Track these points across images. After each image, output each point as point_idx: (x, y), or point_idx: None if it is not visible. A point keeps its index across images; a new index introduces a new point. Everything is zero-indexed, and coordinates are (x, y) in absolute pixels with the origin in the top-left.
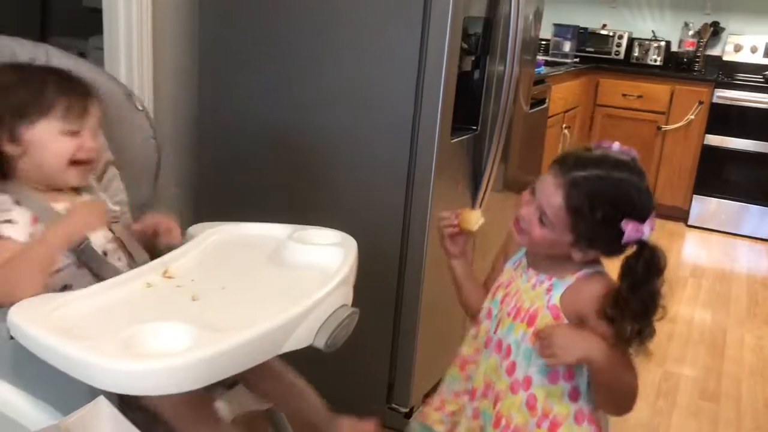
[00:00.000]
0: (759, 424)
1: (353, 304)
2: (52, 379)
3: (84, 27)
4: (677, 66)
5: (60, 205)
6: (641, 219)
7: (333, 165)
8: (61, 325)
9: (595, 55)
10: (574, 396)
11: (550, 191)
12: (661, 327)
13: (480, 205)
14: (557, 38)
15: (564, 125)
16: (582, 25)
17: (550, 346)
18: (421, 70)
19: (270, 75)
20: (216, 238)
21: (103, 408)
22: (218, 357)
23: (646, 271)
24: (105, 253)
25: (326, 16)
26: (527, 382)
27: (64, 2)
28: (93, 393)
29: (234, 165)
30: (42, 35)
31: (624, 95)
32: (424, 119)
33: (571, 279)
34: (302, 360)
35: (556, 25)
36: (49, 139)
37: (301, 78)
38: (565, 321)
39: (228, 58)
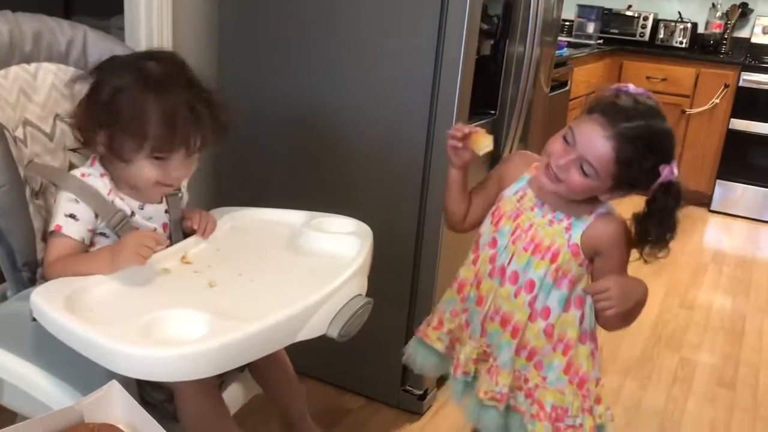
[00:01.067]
0: None
1: (368, 293)
2: (72, 360)
3: (107, 6)
4: (703, 48)
5: (132, 203)
6: (672, 159)
7: (350, 151)
8: (82, 309)
9: (619, 36)
10: (581, 320)
11: (599, 143)
12: (679, 313)
13: None
14: (581, 19)
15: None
16: (606, 6)
17: (609, 299)
18: (438, 53)
19: (289, 59)
20: (233, 224)
21: (116, 391)
22: (233, 345)
23: (676, 204)
24: (155, 231)
25: (344, 2)
26: (546, 313)
27: None
28: (112, 374)
29: (253, 149)
30: (65, 14)
31: (648, 78)
32: (441, 103)
33: (588, 218)
34: (318, 342)
35: (579, 5)
36: (140, 164)
37: (320, 62)
38: (582, 257)
39: (248, 41)
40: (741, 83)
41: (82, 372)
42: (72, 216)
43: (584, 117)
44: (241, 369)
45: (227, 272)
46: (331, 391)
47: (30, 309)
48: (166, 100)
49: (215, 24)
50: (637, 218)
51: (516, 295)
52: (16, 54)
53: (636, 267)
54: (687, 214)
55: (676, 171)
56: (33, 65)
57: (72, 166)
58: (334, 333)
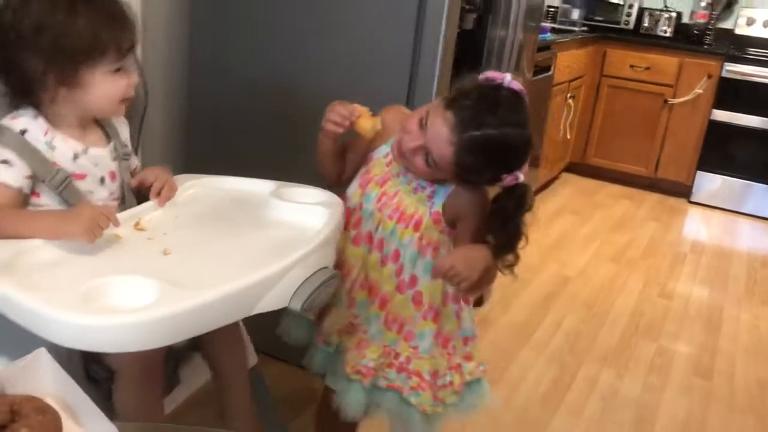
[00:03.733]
0: (751, 403)
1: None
2: (11, 329)
3: None
4: (687, 38)
5: (76, 146)
6: (520, 168)
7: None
8: (21, 273)
9: (603, 24)
10: (444, 285)
11: (442, 145)
12: (656, 302)
13: None
14: (566, 5)
15: (569, 94)
16: None
17: (457, 275)
18: (419, 28)
19: (264, 29)
20: (195, 191)
21: (44, 360)
22: (182, 314)
23: (516, 208)
24: (103, 179)
25: None
26: (413, 281)
27: None
28: (53, 346)
29: (224, 116)
30: None
31: (631, 66)
32: (421, 78)
33: (450, 185)
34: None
35: None
36: (105, 80)
37: (297, 36)
38: (443, 224)
39: (222, 18)
40: (724, 74)
41: (22, 343)
42: (5, 161)
43: (441, 109)
44: (193, 347)
45: (184, 240)
46: (299, 374)
47: None
48: (90, 6)
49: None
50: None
51: (383, 264)
52: None
53: (608, 258)
54: (667, 204)
55: (521, 177)
56: None
57: None
58: (296, 306)
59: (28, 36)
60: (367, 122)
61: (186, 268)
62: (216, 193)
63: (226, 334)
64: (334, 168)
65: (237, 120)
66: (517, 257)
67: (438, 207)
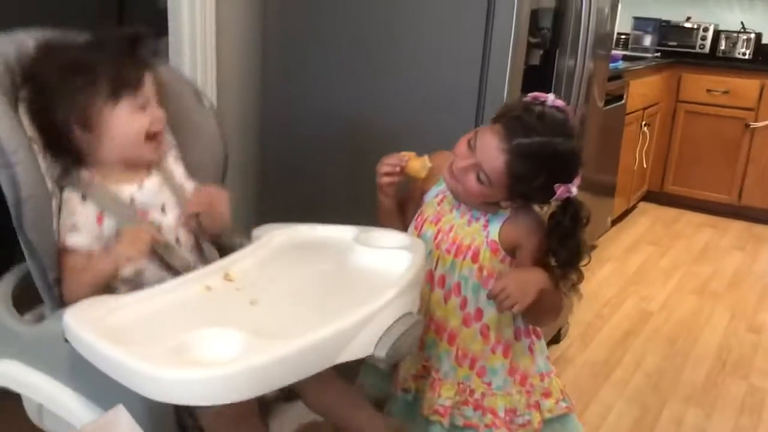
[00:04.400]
0: None
1: None
2: (106, 383)
3: (158, 28)
4: None
5: (129, 188)
6: (572, 180)
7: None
8: (114, 330)
9: (678, 49)
10: (514, 317)
11: (493, 155)
12: (744, 337)
13: None
14: (637, 32)
15: (643, 122)
16: (664, 18)
17: (509, 297)
18: (485, 65)
19: (334, 75)
20: (280, 240)
21: (122, 417)
22: (267, 367)
23: (573, 224)
24: (177, 239)
25: (388, 13)
26: (479, 314)
27: (140, 3)
28: (145, 398)
29: (298, 164)
30: None
31: (708, 91)
32: (487, 115)
33: (505, 213)
34: None
35: (636, 18)
36: (126, 119)
37: (364, 76)
38: (503, 253)
39: (292, 57)
40: None
41: (116, 396)
42: (73, 226)
43: (489, 126)
44: (287, 398)
45: (270, 290)
46: None
47: (62, 330)
48: (97, 49)
49: (258, 38)
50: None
51: (446, 300)
52: None
53: (691, 291)
54: (753, 232)
55: (574, 190)
56: None
57: None
58: (381, 354)
59: (49, 97)
60: (416, 163)
61: (272, 318)
62: (300, 241)
63: (320, 377)
64: (398, 226)
65: (309, 170)
66: (580, 276)
67: (494, 236)
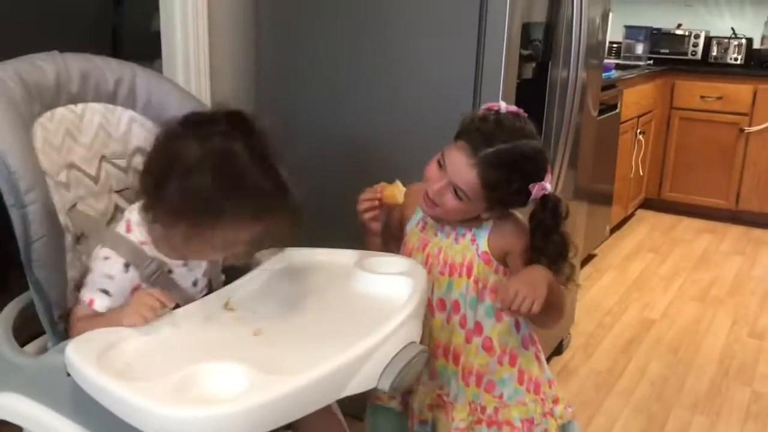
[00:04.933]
0: None
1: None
2: (109, 416)
3: (152, 50)
4: (760, 64)
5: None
6: (543, 177)
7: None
8: (117, 364)
9: (670, 56)
10: (517, 326)
11: (464, 171)
12: (747, 343)
13: None
14: (629, 40)
15: (638, 130)
16: (655, 26)
17: (525, 298)
18: (477, 79)
19: (327, 93)
20: (281, 267)
21: None
22: (272, 404)
23: (554, 219)
24: (195, 282)
25: (380, 29)
26: (478, 328)
27: (135, 26)
28: None
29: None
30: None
31: (702, 97)
32: None
33: (488, 224)
34: None
35: (627, 27)
36: (205, 251)
37: (356, 92)
38: (495, 263)
39: (285, 78)
40: None
41: (121, 430)
42: (105, 291)
43: (452, 144)
44: (286, 426)
45: (273, 319)
46: None
47: (64, 364)
48: (242, 203)
49: (252, 61)
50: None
51: (448, 321)
52: (62, 95)
53: (692, 298)
54: (752, 236)
55: (548, 186)
56: (80, 106)
57: (117, 208)
58: (385, 386)
59: (174, 195)
60: (391, 190)
61: (276, 350)
62: (302, 266)
63: (318, 414)
64: None
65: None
66: (572, 268)
67: (484, 247)
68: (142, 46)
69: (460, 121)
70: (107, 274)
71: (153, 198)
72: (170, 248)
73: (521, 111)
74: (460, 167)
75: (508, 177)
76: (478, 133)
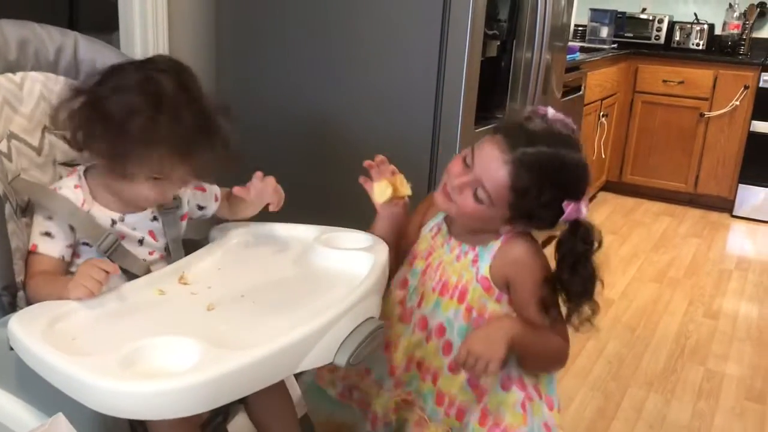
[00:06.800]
0: None
1: None
2: (55, 392)
3: (111, 22)
4: (721, 50)
5: (112, 215)
6: (581, 198)
7: (353, 158)
8: (63, 337)
9: (634, 40)
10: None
11: (494, 167)
12: (702, 323)
13: None
14: (594, 24)
15: (601, 113)
16: (620, 10)
17: (478, 359)
18: (442, 56)
19: (288, 68)
20: (238, 241)
21: (62, 426)
22: (222, 378)
23: (585, 248)
24: (141, 241)
25: (345, 6)
26: None
27: None
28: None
29: (253, 160)
30: (70, 29)
31: (665, 81)
32: (446, 107)
33: (495, 244)
34: None
35: (592, 9)
36: (142, 185)
37: (319, 68)
38: (496, 291)
39: (246, 53)
40: (762, 84)
41: (67, 405)
42: (47, 234)
43: (488, 137)
44: (237, 402)
45: (228, 294)
46: None
47: (7, 338)
48: (177, 124)
49: (212, 31)
50: (549, 274)
51: (427, 341)
52: None
53: (650, 279)
54: (709, 219)
55: (584, 210)
56: (19, 74)
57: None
58: (341, 361)
59: (109, 114)
60: (378, 187)
61: (230, 325)
62: (260, 240)
63: (270, 390)
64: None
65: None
66: (596, 307)
67: (484, 271)
68: (101, 17)
69: (502, 118)
70: (46, 231)
71: (93, 129)
72: (104, 188)
73: (570, 120)
74: (492, 162)
75: (542, 186)
76: (520, 129)
